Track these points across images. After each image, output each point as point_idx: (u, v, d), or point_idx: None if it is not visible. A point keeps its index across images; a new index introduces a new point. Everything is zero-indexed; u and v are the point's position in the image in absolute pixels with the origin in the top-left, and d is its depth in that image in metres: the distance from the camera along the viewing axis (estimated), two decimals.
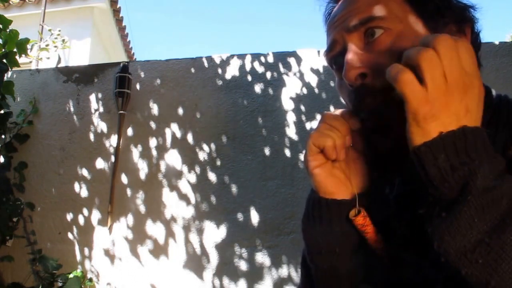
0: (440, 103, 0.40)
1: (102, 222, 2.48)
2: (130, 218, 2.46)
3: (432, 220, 0.41)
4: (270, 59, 2.57)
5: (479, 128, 0.41)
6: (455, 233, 0.38)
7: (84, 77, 2.74)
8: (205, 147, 2.49)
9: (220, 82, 2.57)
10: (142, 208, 2.46)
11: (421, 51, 0.40)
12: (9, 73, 2.73)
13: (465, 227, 0.37)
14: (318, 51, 2.52)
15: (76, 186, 2.56)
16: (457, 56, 0.40)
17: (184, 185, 2.46)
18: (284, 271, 2.26)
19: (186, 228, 2.40)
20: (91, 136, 2.63)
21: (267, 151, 2.42)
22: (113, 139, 2.58)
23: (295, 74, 2.52)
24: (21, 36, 2.46)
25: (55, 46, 3.00)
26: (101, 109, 2.66)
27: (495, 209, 0.37)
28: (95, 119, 2.65)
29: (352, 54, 0.52)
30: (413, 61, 0.41)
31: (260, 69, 2.56)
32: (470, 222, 0.37)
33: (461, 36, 0.55)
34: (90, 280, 2.38)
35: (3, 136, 2.58)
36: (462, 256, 0.38)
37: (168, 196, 2.46)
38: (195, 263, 2.35)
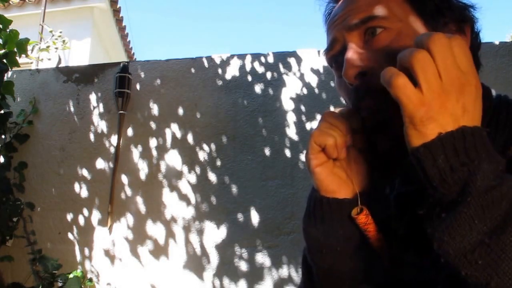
0: (436, 104, 0.39)
1: (102, 222, 2.48)
2: (130, 218, 2.46)
3: (432, 220, 0.40)
4: (270, 59, 2.57)
5: (478, 128, 0.40)
6: (455, 234, 0.38)
7: (84, 77, 2.74)
8: (205, 147, 2.49)
9: (220, 82, 2.57)
10: (142, 208, 2.46)
11: (413, 52, 0.40)
12: (9, 73, 2.73)
13: (465, 228, 0.37)
14: (318, 51, 2.52)
15: (76, 186, 2.56)
16: (451, 54, 0.40)
17: (184, 185, 2.46)
18: (284, 271, 2.26)
19: (186, 228, 2.40)
20: (91, 136, 2.63)
21: (267, 151, 2.42)
22: (113, 139, 2.58)
23: (295, 74, 2.52)
24: (21, 36, 2.45)
25: (56, 47, 3.00)
26: (101, 109, 2.66)
27: (495, 210, 0.37)
28: (95, 119, 2.65)
29: (352, 53, 0.52)
30: (406, 63, 0.40)
31: (260, 69, 2.56)
32: (470, 223, 0.37)
33: (461, 36, 0.55)
34: (90, 280, 2.38)
35: (3, 136, 2.58)
36: (462, 257, 0.37)
37: (168, 196, 2.46)
38: (195, 263, 2.35)
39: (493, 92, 0.57)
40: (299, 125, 2.43)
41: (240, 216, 2.36)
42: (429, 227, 0.41)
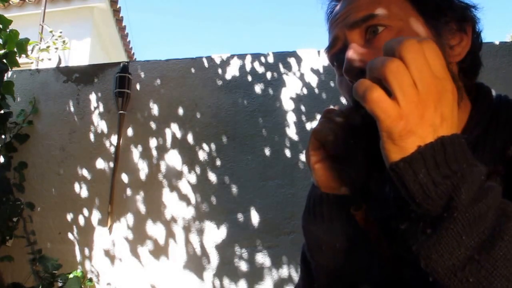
0: (415, 117, 0.37)
1: (102, 222, 2.48)
2: (130, 218, 2.46)
3: (416, 236, 0.39)
4: (270, 59, 2.57)
5: (456, 136, 0.39)
6: (443, 251, 0.36)
7: (84, 77, 2.74)
8: (205, 147, 2.49)
9: (220, 82, 2.57)
10: (142, 208, 2.46)
11: (386, 62, 0.37)
12: (9, 73, 2.73)
13: (453, 244, 0.36)
14: (318, 51, 2.52)
15: (76, 186, 2.56)
16: (425, 61, 0.38)
17: (184, 185, 2.46)
18: (284, 271, 2.26)
19: (186, 229, 2.40)
20: (91, 136, 2.63)
21: (267, 151, 2.42)
22: (113, 139, 2.58)
23: (295, 74, 2.52)
24: (21, 36, 2.46)
25: (56, 48, 3.00)
26: (101, 109, 2.66)
27: (482, 223, 0.36)
28: (95, 119, 2.65)
29: (353, 51, 0.52)
30: (379, 74, 0.38)
31: (260, 69, 2.56)
32: (458, 239, 0.36)
33: (462, 35, 0.55)
34: (90, 280, 2.38)
35: (3, 136, 2.57)
36: (452, 275, 0.36)
37: (168, 196, 2.46)
38: (195, 263, 2.35)
39: (493, 92, 0.57)
40: (299, 125, 2.43)
41: (240, 216, 2.36)
42: (413, 244, 0.39)
